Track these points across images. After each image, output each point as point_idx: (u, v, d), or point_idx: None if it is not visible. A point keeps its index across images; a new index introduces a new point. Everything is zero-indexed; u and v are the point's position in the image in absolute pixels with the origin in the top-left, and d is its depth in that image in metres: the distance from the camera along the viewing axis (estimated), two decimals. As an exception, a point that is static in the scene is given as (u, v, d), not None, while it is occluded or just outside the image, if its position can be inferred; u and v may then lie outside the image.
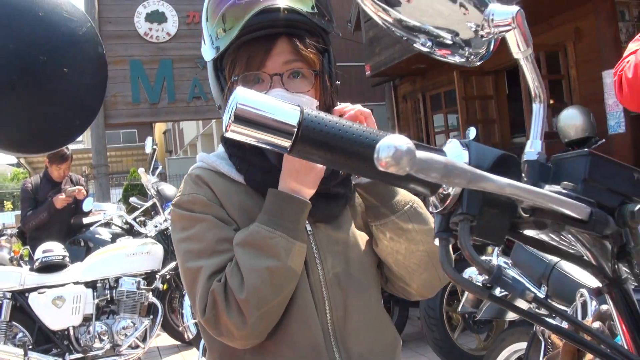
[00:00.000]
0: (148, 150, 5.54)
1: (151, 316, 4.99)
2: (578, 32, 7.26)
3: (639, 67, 2.12)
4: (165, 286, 5.35)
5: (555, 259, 2.68)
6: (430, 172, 0.57)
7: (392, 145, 0.55)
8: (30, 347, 4.56)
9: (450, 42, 0.77)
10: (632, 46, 2.24)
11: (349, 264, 1.34)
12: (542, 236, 0.78)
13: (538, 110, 0.76)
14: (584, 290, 1.05)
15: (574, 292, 2.47)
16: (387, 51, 9.71)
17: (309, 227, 1.33)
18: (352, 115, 1.28)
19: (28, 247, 6.22)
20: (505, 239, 0.72)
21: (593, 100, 6.66)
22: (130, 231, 5.96)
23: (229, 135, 0.72)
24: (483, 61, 0.80)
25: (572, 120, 5.30)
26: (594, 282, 2.54)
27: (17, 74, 0.71)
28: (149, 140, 5.64)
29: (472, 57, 0.79)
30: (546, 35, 7.56)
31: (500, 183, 0.62)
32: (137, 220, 5.92)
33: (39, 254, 4.87)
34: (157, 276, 5.09)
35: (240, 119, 0.70)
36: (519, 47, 0.71)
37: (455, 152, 0.72)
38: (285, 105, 0.72)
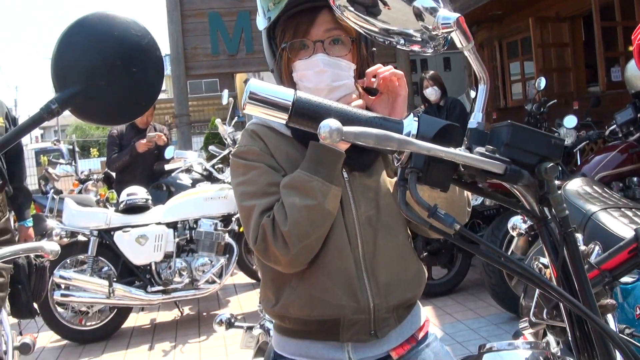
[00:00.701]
0: (225, 102, 5.86)
1: (227, 255, 5.42)
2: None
3: None
4: (241, 229, 5.73)
5: (592, 209, 2.82)
6: (365, 140, 0.82)
7: (326, 125, 0.81)
8: (115, 279, 5.08)
9: (420, 39, 1.01)
10: None
11: (380, 208, 1.57)
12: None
13: (482, 90, 0.99)
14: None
15: (607, 241, 2.62)
16: (462, -1, 9.63)
17: (345, 175, 1.56)
18: (386, 76, 1.51)
19: (114, 190, 6.73)
20: (449, 186, 0.96)
21: (670, 49, 6.48)
22: (209, 177, 6.31)
23: (245, 111, 0.99)
24: (446, 47, 1.03)
25: (638, 71, 5.25)
26: (627, 232, 2.69)
27: (102, 75, 1.06)
28: (225, 92, 5.96)
29: (437, 47, 1.02)
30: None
31: (422, 146, 0.86)
32: (216, 167, 6.25)
33: (123, 196, 5.33)
34: (233, 219, 5.48)
35: (252, 99, 0.97)
36: (461, 43, 0.94)
37: (409, 122, 0.97)
38: (283, 90, 0.98)
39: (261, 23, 1.62)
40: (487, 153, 0.91)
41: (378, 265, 1.55)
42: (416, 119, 0.98)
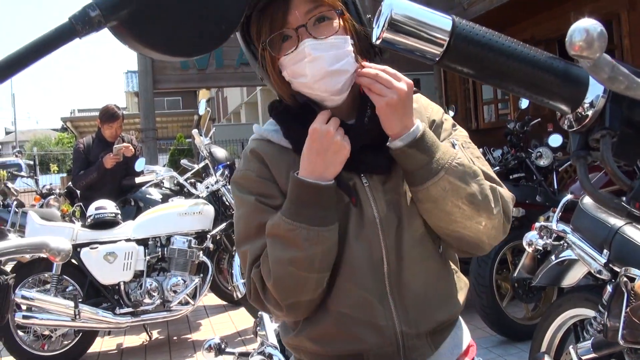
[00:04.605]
0: (202, 111, 5.55)
1: (201, 274, 5.06)
2: (632, 0, 6.99)
3: None
4: (212, 247, 5.40)
5: (618, 223, 2.61)
6: (603, 68, 0.56)
7: (581, 28, 0.55)
8: (81, 300, 4.68)
9: None
10: None
11: (404, 214, 1.31)
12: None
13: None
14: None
15: (638, 256, 2.41)
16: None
17: (365, 181, 1.31)
18: (363, 82, 1.25)
19: (81, 204, 6.34)
20: (637, 161, 0.71)
21: (649, 70, 6.44)
22: (180, 193, 6.00)
23: (379, 43, 0.71)
24: None
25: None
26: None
27: None
28: (202, 102, 5.63)
29: None
30: (599, 3, 7.32)
31: None
32: (188, 181, 5.95)
33: (91, 210, 4.96)
34: (208, 236, 5.13)
35: (394, 27, 0.69)
36: None
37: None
38: (437, 14, 0.71)
39: None
40: None
41: (405, 283, 1.30)
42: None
